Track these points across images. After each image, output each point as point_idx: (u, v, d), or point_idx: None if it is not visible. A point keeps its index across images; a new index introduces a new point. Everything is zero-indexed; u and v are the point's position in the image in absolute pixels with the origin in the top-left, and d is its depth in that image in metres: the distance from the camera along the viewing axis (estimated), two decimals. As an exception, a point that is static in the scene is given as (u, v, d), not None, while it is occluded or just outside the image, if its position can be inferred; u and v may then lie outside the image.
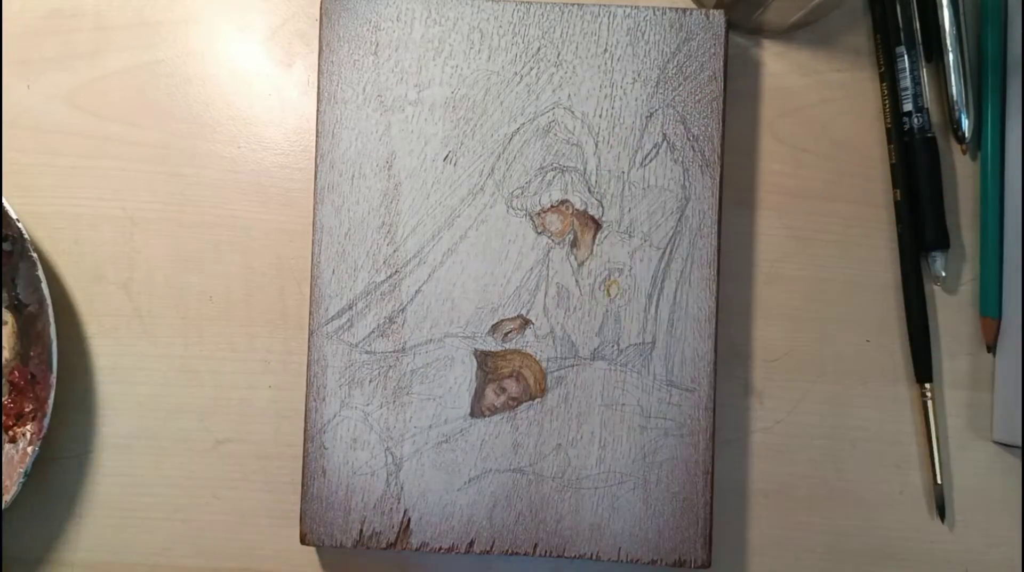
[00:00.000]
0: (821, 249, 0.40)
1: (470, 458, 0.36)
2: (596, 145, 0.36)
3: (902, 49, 0.39)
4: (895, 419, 0.40)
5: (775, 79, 0.40)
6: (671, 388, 0.36)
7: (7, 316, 0.38)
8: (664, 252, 0.36)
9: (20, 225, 0.37)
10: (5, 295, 0.37)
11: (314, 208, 0.36)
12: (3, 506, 0.36)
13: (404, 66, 0.36)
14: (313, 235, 0.36)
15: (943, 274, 0.39)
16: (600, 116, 0.36)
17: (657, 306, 0.36)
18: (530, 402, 0.36)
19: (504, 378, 0.36)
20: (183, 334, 0.39)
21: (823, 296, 0.40)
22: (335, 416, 0.36)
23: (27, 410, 0.37)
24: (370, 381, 0.36)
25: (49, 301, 0.36)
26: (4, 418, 0.37)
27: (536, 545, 0.36)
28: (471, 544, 0.36)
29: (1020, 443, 0.38)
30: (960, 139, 0.40)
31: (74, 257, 0.39)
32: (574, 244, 0.36)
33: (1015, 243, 0.38)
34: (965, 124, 0.39)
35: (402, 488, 0.36)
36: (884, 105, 0.40)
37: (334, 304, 0.36)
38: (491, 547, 0.36)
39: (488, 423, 0.36)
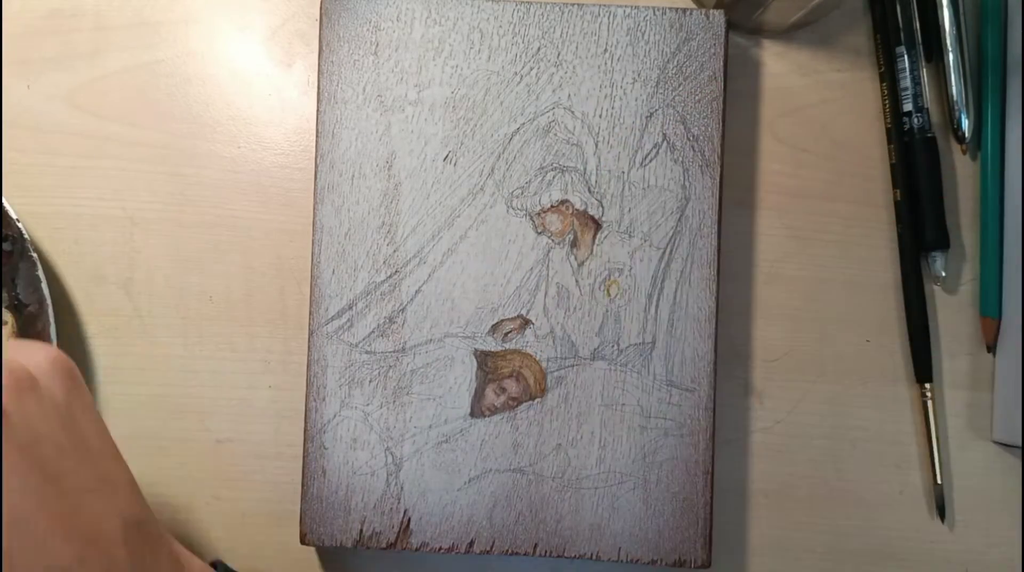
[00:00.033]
0: (821, 249, 0.40)
1: (470, 458, 0.36)
2: (596, 145, 0.36)
3: (902, 49, 0.39)
4: (895, 419, 0.40)
5: (775, 79, 0.40)
6: (671, 388, 0.36)
7: (7, 316, 0.38)
8: (664, 252, 0.36)
9: (20, 225, 0.37)
10: (5, 295, 0.37)
11: (314, 208, 0.36)
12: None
13: (404, 66, 0.36)
14: (313, 235, 0.36)
15: (943, 274, 0.39)
16: (600, 116, 0.36)
17: (657, 306, 0.36)
18: (530, 402, 0.36)
19: (504, 378, 0.36)
20: (183, 334, 0.39)
21: (823, 296, 0.40)
22: (335, 416, 0.36)
23: (27, 410, 0.37)
24: (370, 381, 0.36)
25: (49, 301, 0.36)
26: (4, 418, 0.37)
27: (536, 545, 0.36)
28: (471, 544, 0.36)
29: (1020, 443, 0.38)
30: (960, 139, 0.40)
31: (74, 257, 0.39)
32: (574, 244, 0.36)
33: (1015, 243, 0.38)
34: (965, 124, 0.39)
35: (402, 488, 0.36)
36: (884, 105, 0.40)
37: (334, 304, 0.36)
38: (491, 547, 0.36)
39: (488, 423, 0.36)
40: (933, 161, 0.39)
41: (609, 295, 0.36)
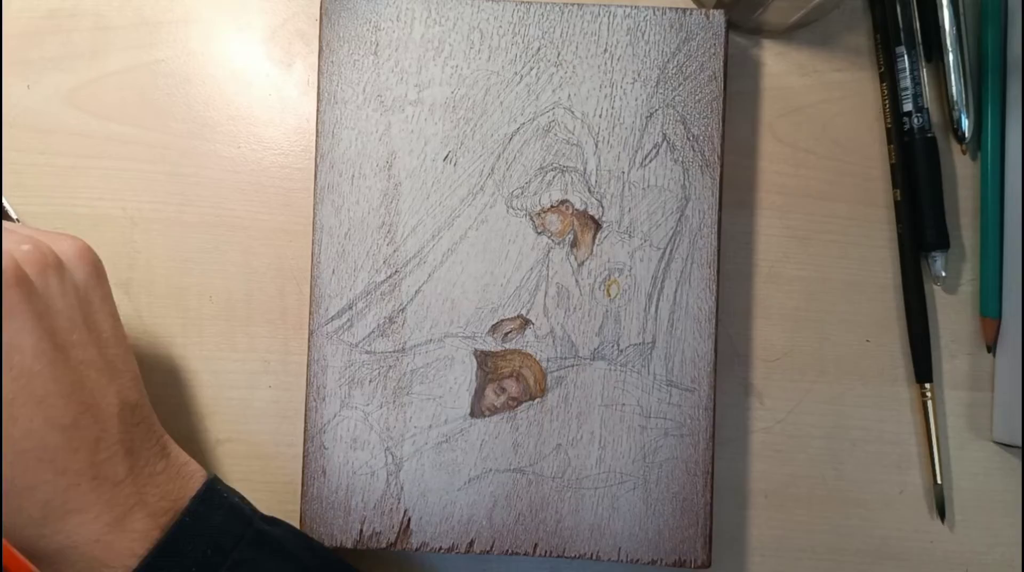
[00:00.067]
0: (821, 249, 0.40)
1: (470, 458, 0.36)
2: (596, 145, 0.36)
3: (902, 49, 0.39)
4: (895, 419, 0.40)
5: (775, 79, 0.40)
6: (671, 388, 0.36)
7: (7, 316, 0.38)
8: (664, 252, 0.36)
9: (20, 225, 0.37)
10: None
11: (314, 208, 0.36)
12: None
13: (404, 66, 0.36)
14: (313, 235, 0.36)
15: (943, 274, 0.39)
16: (600, 116, 0.36)
17: (657, 306, 0.36)
18: (530, 402, 0.36)
19: (504, 378, 0.36)
20: (183, 334, 0.39)
21: (823, 296, 0.40)
22: (335, 416, 0.36)
23: (27, 410, 0.37)
24: (370, 381, 0.36)
25: (49, 301, 0.36)
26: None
27: (536, 545, 0.36)
28: (471, 544, 0.36)
29: (1020, 443, 0.38)
30: (960, 139, 0.40)
31: (74, 257, 0.39)
32: (574, 244, 0.36)
33: (1015, 243, 0.38)
34: (965, 124, 0.39)
35: (402, 488, 0.36)
36: (884, 105, 0.40)
37: (334, 304, 0.36)
38: (491, 547, 0.36)
39: (488, 423, 0.36)
40: (933, 161, 0.39)
41: (609, 295, 0.36)
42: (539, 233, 0.36)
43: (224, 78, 0.40)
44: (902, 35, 0.39)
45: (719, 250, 0.36)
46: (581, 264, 0.36)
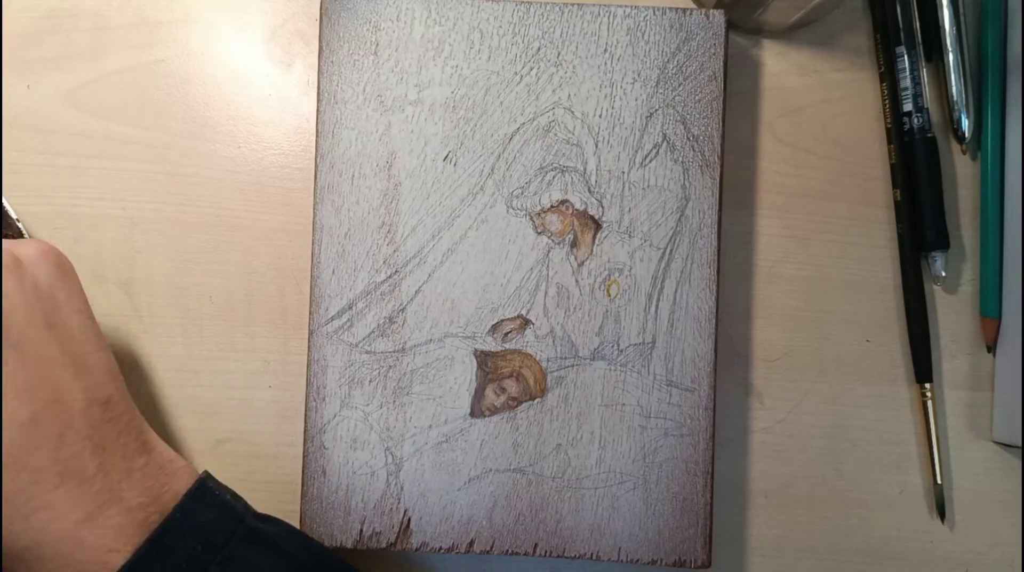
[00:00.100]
0: (821, 249, 0.40)
1: (470, 458, 0.36)
2: (596, 145, 0.36)
3: (902, 49, 0.39)
4: (895, 419, 0.40)
5: (775, 79, 0.40)
6: (671, 388, 0.36)
7: (7, 316, 0.38)
8: (664, 252, 0.36)
9: (20, 225, 0.37)
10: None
11: (314, 208, 0.36)
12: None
13: (404, 66, 0.36)
14: (313, 235, 0.36)
15: (943, 274, 0.39)
16: (600, 116, 0.36)
17: (657, 306, 0.36)
18: (530, 402, 0.36)
19: (504, 378, 0.36)
20: (183, 334, 0.39)
21: (823, 296, 0.40)
22: (335, 416, 0.36)
23: (27, 410, 0.37)
24: (370, 381, 0.36)
25: (49, 301, 0.36)
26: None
27: (536, 545, 0.36)
28: (471, 544, 0.36)
29: (1020, 443, 0.38)
30: (960, 139, 0.40)
31: (74, 257, 0.39)
32: (574, 244, 0.36)
33: (1015, 243, 0.38)
34: (965, 124, 0.39)
35: (402, 488, 0.36)
36: (884, 105, 0.40)
37: (334, 304, 0.36)
38: (491, 547, 0.36)
39: (488, 423, 0.36)
40: (933, 161, 0.39)
41: (609, 295, 0.36)
42: (539, 233, 0.36)
43: (224, 78, 0.40)
44: (902, 35, 0.39)
45: (719, 250, 0.36)
46: (581, 264, 0.36)
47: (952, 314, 0.40)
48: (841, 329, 0.40)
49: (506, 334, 0.36)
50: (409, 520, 0.36)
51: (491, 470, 0.36)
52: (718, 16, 0.36)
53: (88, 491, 0.29)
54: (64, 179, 0.39)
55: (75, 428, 0.30)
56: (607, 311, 0.36)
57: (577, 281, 0.36)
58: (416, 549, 0.35)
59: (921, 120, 0.39)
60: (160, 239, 0.39)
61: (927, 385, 0.39)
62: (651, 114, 0.36)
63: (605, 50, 0.36)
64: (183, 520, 0.30)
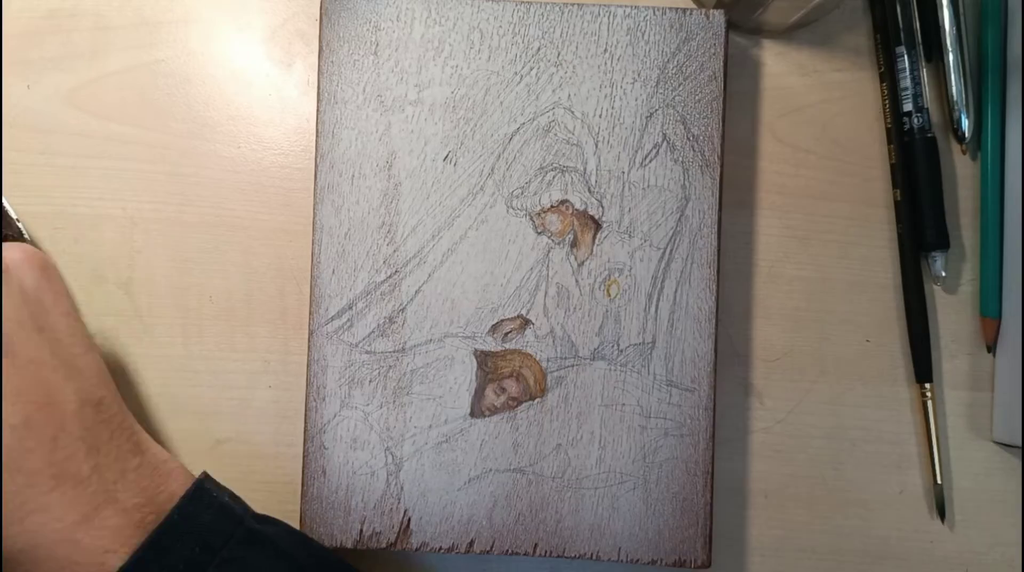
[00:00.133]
0: (821, 249, 0.40)
1: (470, 458, 0.36)
2: (596, 145, 0.36)
3: (902, 49, 0.39)
4: (895, 419, 0.40)
5: (775, 79, 0.40)
6: (671, 388, 0.36)
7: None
8: (664, 252, 0.36)
9: (20, 225, 0.37)
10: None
11: (314, 208, 0.36)
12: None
13: (404, 66, 0.36)
14: (313, 235, 0.36)
15: (943, 274, 0.39)
16: (600, 116, 0.36)
17: (657, 306, 0.36)
18: (530, 402, 0.36)
19: (504, 378, 0.36)
20: (183, 334, 0.39)
21: (823, 296, 0.40)
22: (335, 416, 0.36)
23: (27, 410, 0.37)
24: (370, 381, 0.36)
25: (49, 301, 0.36)
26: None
27: (536, 545, 0.36)
28: (471, 544, 0.36)
29: (1020, 443, 0.38)
30: (960, 139, 0.40)
31: (74, 257, 0.39)
32: (574, 244, 0.36)
33: (1015, 243, 0.38)
34: (965, 124, 0.39)
35: (402, 488, 0.36)
36: (884, 105, 0.40)
37: (334, 304, 0.36)
38: (491, 547, 0.36)
39: (488, 423, 0.36)
40: (933, 161, 0.39)
41: (609, 295, 0.36)
42: (539, 233, 0.36)
43: (224, 78, 0.40)
44: (902, 35, 0.39)
45: (719, 250, 0.36)
46: (581, 264, 0.36)
47: (952, 314, 0.40)
48: (841, 329, 0.40)
49: (506, 334, 0.36)
50: (409, 520, 0.36)
51: (491, 470, 0.36)
52: (718, 16, 0.36)
53: (83, 493, 0.29)
54: (64, 179, 0.39)
55: (68, 430, 0.30)
56: (607, 311, 0.36)
57: (577, 281, 0.36)
58: (416, 549, 0.35)
59: (921, 120, 0.39)
60: (160, 239, 0.39)
61: (927, 385, 0.39)
62: (651, 114, 0.36)
63: (605, 50, 0.36)
64: (181, 522, 0.30)
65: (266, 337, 0.39)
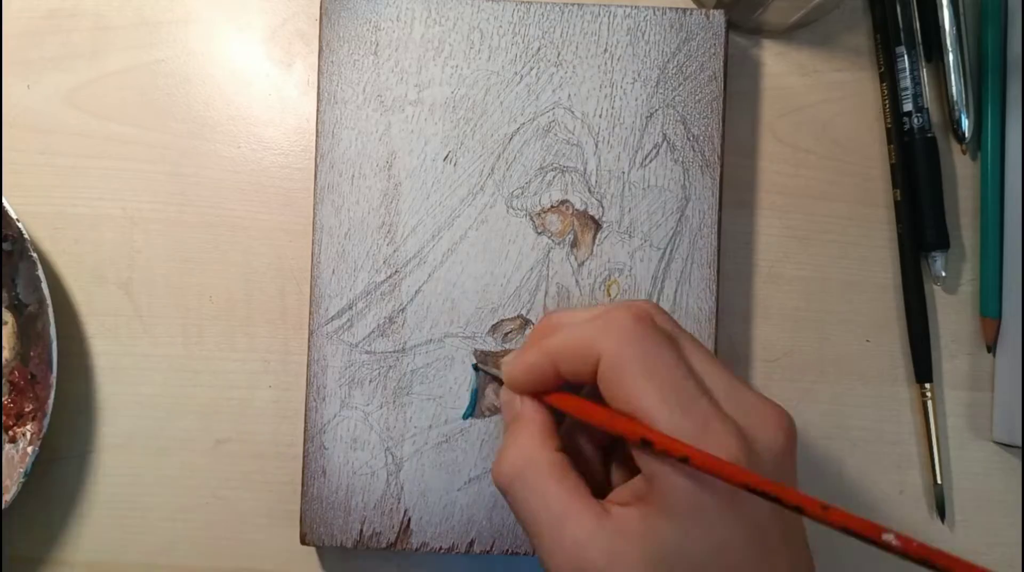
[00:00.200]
0: (821, 249, 0.40)
1: (470, 458, 0.36)
2: (596, 145, 0.36)
3: (902, 49, 0.39)
4: (895, 419, 0.40)
5: (775, 79, 0.40)
6: (671, 388, 0.36)
7: (7, 316, 0.38)
8: (664, 252, 0.36)
9: (20, 225, 0.37)
10: (5, 295, 0.37)
11: (314, 208, 0.36)
12: (3, 506, 0.36)
13: (404, 66, 0.36)
14: (313, 235, 0.36)
15: (943, 274, 0.39)
16: (600, 116, 0.36)
17: (657, 306, 0.36)
18: (530, 402, 0.36)
19: (504, 378, 0.36)
20: (183, 334, 0.39)
21: (823, 296, 0.40)
22: (335, 416, 0.36)
23: (27, 410, 0.37)
24: (370, 381, 0.36)
25: (49, 301, 0.36)
26: (4, 418, 0.37)
27: (536, 545, 0.36)
28: (471, 544, 0.36)
29: (1020, 443, 0.38)
30: (960, 139, 0.40)
31: (74, 257, 0.39)
32: (574, 244, 0.36)
33: (1015, 243, 0.38)
34: (965, 124, 0.39)
35: (402, 488, 0.36)
36: (884, 105, 0.40)
37: (334, 304, 0.36)
38: (491, 547, 0.36)
39: (488, 423, 0.36)
40: (933, 161, 0.39)
41: (609, 295, 0.36)
42: (539, 233, 0.36)
43: (224, 78, 0.40)
44: (902, 35, 0.39)
45: (719, 250, 0.36)
46: (581, 264, 0.36)
47: (952, 314, 0.40)
48: (841, 329, 0.40)
49: (506, 334, 0.36)
50: (409, 520, 0.36)
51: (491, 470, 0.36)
52: (718, 16, 0.36)
53: None
54: (64, 179, 0.39)
55: None
56: (607, 311, 0.36)
57: (577, 281, 0.36)
58: (416, 549, 0.35)
59: (921, 120, 0.39)
60: (160, 239, 0.39)
61: (927, 385, 0.39)
62: (651, 114, 0.36)
63: (605, 50, 0.36)
64: None
65: (266, 337, 0.39)
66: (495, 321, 0.36)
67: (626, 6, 0.36)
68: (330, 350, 0.36)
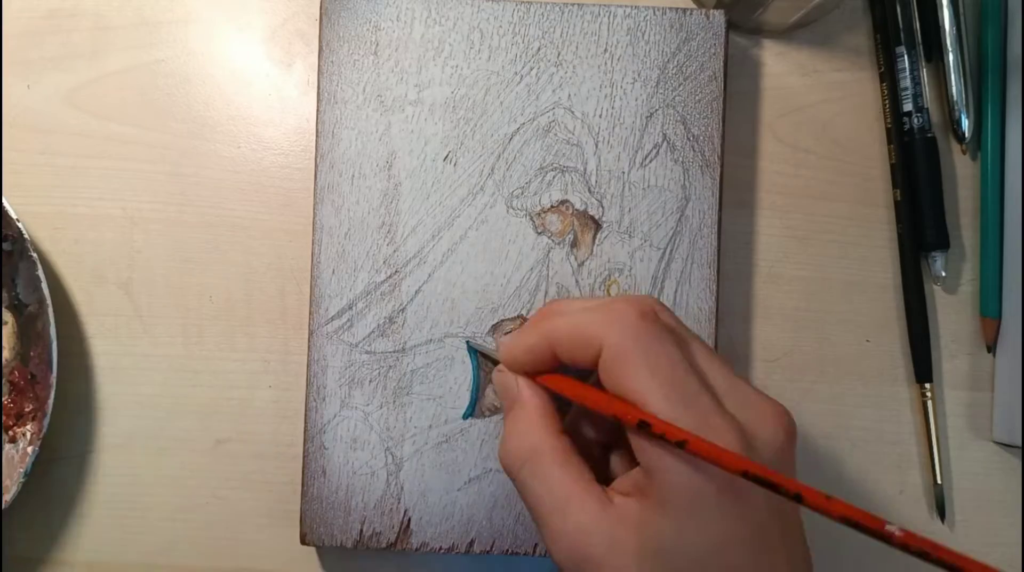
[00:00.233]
0: (821, 249, 0.40)
1: (470, 458, 0.36)
2: (596, 145, 0.36)
3: (902, 49, 0.39)
4: (895, 419, 0.40)
5: (775, 79, 0.40)
6: (671, 388, 0.36)
7: (7, 316, 0.38)
8: (664, 252, 0.36)
9: (20, 225, 0.37)
10: (5, 295, 0.37)
11: (314, 208, 0.36)
12: (3, 506, 0.36)
13: (404, 66, 0.36)
14: (313, 235, 0.36)
15: (943, 274, 0.39)
16: (600, 116, 0.36)
17: (657, 306, 0.36)
18: (530, 402, 0.36)
19: (504, 378, 0.36)
20: (183, 334, 0.39)
21: (823, 296, 0.40)
22: (335, 416, 0.36)
23: (27, 410, 0.37)
24: (370, 381, 0.36)
25: (49, 301, 0.36)
26: (4, 418, 0.37)
27: (536, 545, 0.36)
28: (471, 544, 0.36)
29: (1020, 443, 0.38)
30: (960, 139, 0.40)
31: (74, 257, 0.39)
32: (574, 244, 0.36)
33: (1015, 243, 0.38)
34: (965, 124, 0.39)
35: (402, 488, 0.36)
36: (884, 105, 0.40)
37: (334, 304, 0.36)
38: (491, 547, 0.36)
39: (488, 423, 0.36)
40: (933, 161, 0.39)
41: (609, 295, 0.36)
42: (539, 233, 0.36)
43: (224, 78, 0.40)
44: (902, 35, 0.39)
45: (719, 250, 0.36)
46: (581, 264, 0.36)
47: (952, 314, 0.40)
48: (841, 329, 0.40)
49: (506, 334, 0.36)
50: (409, 520, 0.36)
51: (491, 470, 0.36)
52: (718, 16, 0.36)
53: None
54: (64, 179, 0.39)
55: None
56: (607, 311, 0.36)
57: (577, 281, 0.36)
58: (416, 549, 0.35)
59: (921, 120, 0.39)
60: (160, 239, 0.39)
61: (927, 385, 0.39)
62: (651, 114, 0.36)
63: (605, 50, 0.36)
64: None
65: (266, 337, 0.39)
66: (495, 321, 0.36)
67: (626, 6, 0.36)
68: (330, 350, 0.36)
